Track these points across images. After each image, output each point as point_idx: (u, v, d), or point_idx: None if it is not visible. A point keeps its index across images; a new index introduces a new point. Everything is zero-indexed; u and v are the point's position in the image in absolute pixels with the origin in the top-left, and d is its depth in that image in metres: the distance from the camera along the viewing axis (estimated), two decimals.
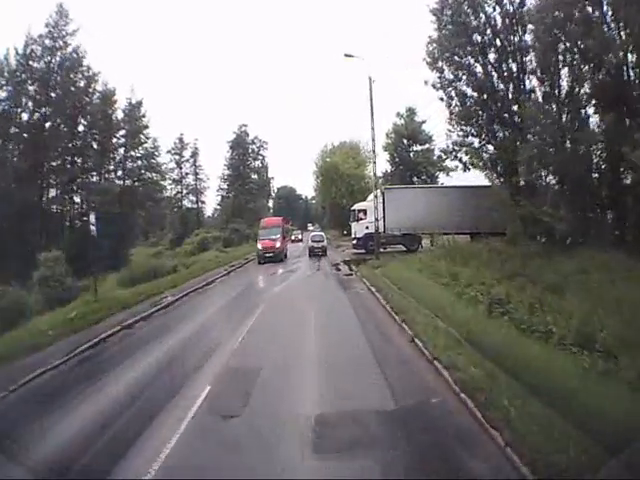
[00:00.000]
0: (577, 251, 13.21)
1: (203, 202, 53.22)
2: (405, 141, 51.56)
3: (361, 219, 25.64)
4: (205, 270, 19.59)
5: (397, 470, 3.83)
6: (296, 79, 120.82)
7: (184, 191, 52.73)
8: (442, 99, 21.27)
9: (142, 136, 37.28)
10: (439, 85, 20.97)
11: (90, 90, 35.47)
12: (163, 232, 51.45)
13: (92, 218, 13.51)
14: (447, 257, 14.83)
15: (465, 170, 20.98)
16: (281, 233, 25.58)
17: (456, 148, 20.89)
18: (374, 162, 19.73)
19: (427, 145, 53.49)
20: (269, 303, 11.78)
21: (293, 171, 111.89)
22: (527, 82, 19.49)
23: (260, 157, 51.08)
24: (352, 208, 27.81)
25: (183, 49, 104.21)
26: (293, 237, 45.77)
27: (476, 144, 20.26)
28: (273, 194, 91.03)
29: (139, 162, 37.10)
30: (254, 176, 50.69)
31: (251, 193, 48.74)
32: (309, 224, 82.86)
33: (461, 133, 21.07)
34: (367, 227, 25.07)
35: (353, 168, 44.56)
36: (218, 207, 53.32)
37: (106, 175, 33.98)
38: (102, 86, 35.73)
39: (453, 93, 20.86)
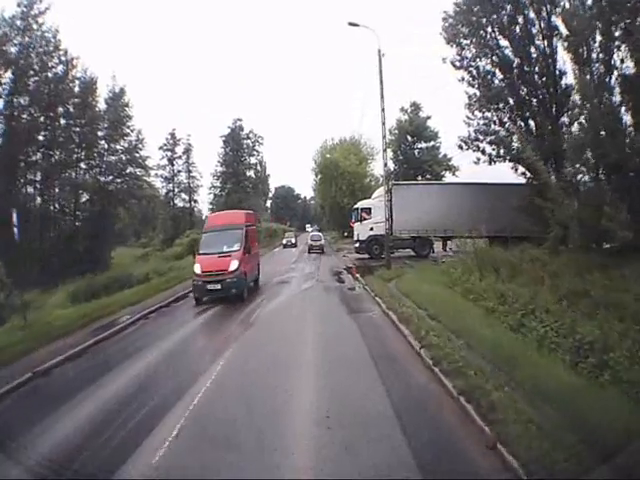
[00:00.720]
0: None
1: (196, 201, 50.44)
2: (409, 138, 48.76)
3: (365, 219, 22.91)
4: (180, 280, 16.46)
5: None
6: (294, 76, 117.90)
7: (176, 189, 50.06)
8: (462, 79, 18.35)
9: (125, 128, 34.15)
10: (459, 63, 18.00)
11: (69, 77, 32.40)
12: (155, 232, 48.83)
13: (14, 218, 10.37)
14: (479, 267, 11.76)
15: (490, 163, 17.93)
16: (242, 242, 12.69)
17: (479, 137, 17.85)
18: (385, 149, 16.63)
19: (433, 142, 50.96)
20: (248, 334, 8.72)
21: (292, 171, 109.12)
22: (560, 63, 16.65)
23: (255, 153, 48.05)
24: (354, 207, 24.90)
25: (174, 40, 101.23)
26: (285, 241, 39.99)
27: (503, 133, 17.32)
28: (270, 193, 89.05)
29: (121, 156, 34.03)
30: (249, 173, 47.63)
31: (245, 191, 45.62)
32: (307, 225, 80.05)
33: (484, 120, 18.24)
34: (372, 228, 22.52)
35: (355, 165, 41.50)
36: (210, 206, 50.23)
37: (82, 170, 30.66)
38: (82, 72, 32.70)
39: (475, 72, 17.92)
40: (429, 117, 50.02)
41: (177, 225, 46.40)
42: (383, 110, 15.50)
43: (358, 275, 15.23)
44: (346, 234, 38.91)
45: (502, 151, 17.67)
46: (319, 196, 55.75)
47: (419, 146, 50.12)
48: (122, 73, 75.96)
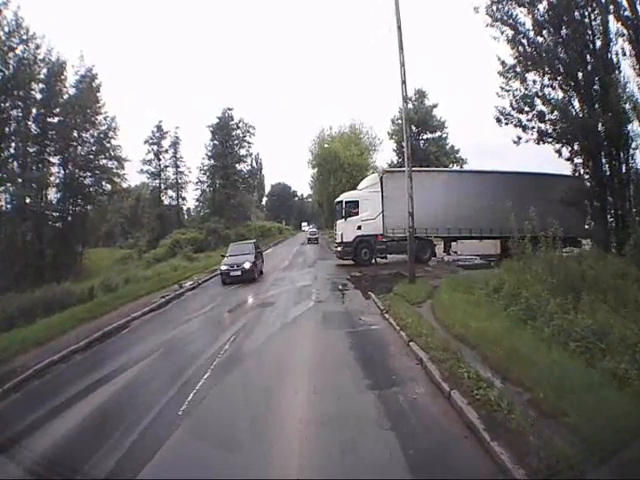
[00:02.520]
0: None
1: (184, 198, 46.42)
2: (414, 128, 44.92)
3: (351, 215, 18.54)
4: (132, 297, 12.31)
5: None
6: (290, 70, 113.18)
7: (162, 186, 46.02)
8: (495, 38, 14.27)
9: (95, 115, 29.88)
10: (498, 14, 13.87)
11: (30, 57, 28.06)
12: (141, 232, 45.12)
13: None
14: (557, 288, 7.72)
15: (539, 142, 13.79)
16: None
17: (523, 107, 13.68)
18: (405, 119, 12.60)
19: (439, 133, 47.20)
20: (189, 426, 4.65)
21: (288, 168, 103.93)
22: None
23: (246, 144, 43.66)
24: (337, 200, 20.37)
25: (161, 27, 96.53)
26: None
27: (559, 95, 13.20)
28: (266, 191, 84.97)
29: (92, 147, 29.76)
30: (240, 167, 43.35)
31: (235, 186, 41.34)
32: (304, 223, 76.18)
33: (524, 89, 14.18)
34: (359, 227, 18.43)
35: (356, 156, 37.43)
36: (197, 203, 46.16)
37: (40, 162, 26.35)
38: (47, 53, 28.39)
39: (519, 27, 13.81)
40: (435, 105, 46.49)
41: (164, 224, 42.72)
42: (403, 65, 11.38)
43: (372, 294, 11.04)
44: None
45: (551, 126, 13.59)
46: (316, 192, 51.81)
47: (425, 137, 46.63)
48: (105, 61, 71.48)
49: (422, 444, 4.02)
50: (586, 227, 21.60)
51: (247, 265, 15.43)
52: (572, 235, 19.22)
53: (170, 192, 45.90)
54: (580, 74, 13.24)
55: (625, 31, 12.11)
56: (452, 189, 18.21)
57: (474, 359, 5.70)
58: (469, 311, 7.85)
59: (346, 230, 18.58)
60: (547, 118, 13.56)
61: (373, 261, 18.70)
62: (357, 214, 18.50)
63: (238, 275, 15.23)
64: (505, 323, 6.88)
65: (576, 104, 13.22)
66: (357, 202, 18.70)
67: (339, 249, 19.26)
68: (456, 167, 43.02)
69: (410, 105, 45.99)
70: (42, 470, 4.04)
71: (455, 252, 19.57)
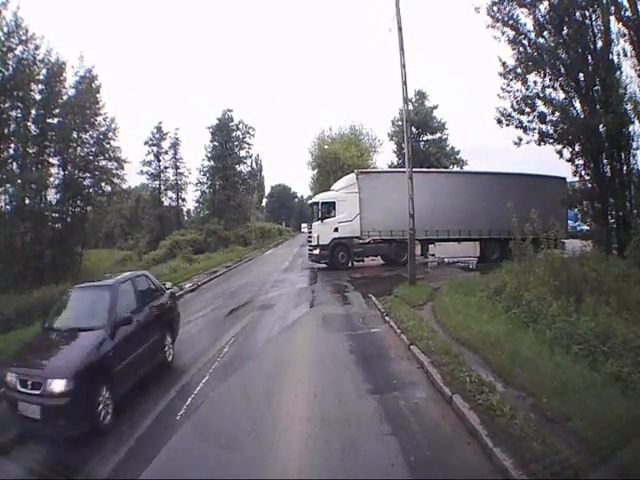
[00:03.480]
0: None
1: (184, 199, 46.44)
2: (414, 129, 44.92)
3: (327, 217, 17.86)
4: None
5: None
6: (290, 72, 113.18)
7: (162, 187, 46.07)
8: (496, 38, 14.23)
9: (95, 116, 29.81)
10: (499, 15, 13.82)
11: (29, 58, 28.01)
12: (141, 233, 45.24)
13: None
14: (559, 290, 7.64)
15: (540, 143, 13.74)
16: None
17: (524, 108, 13.63)
18: (406, 121, 12.52)
19: (439, 134, 47.22)
20: None
21: (288, 170, 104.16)
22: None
23: (246, 145, 43.60)
24: (312, 201, 19.54)
25: (161, 30, 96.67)
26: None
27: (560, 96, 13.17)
28: (266, 192, 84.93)
29: (92, 148, 29.67)
30: (240, 168, 43.28)
31: (235, 187, 41.27)
32: (303, 225, 76.10)
33: (524, 90, 14.14)
34: (336, 229, 17.68)
35: (356, 157, 37.37)
36: (197, 204, 46.15)
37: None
38: (46, 54, 28.31)
39: (520, 27, 13.77)
40: (435, 107, 46.63)
41: (164, 225, 42.74)
42: (403, 66, 11.32)
43: (372, 296, 10.98)
44: None
45: (552, 127, 13.54)
46: (316, 193, 51.76)
47: (425, 138, 46.69)
48: (105, 61, 71.62)
49: (424, 450, 3.96)
50: (569, 229, 21.56)
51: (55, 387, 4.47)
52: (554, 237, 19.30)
53: (170, 193, 45.97)
54: (581, 75, 13.18)
55: (626, 32, 12.05)
56: (429, 190, 17.35)
57: (476, 363, 5.64)
58: (470, 314, 7.78)
59: (322, 232, 17.78)
60: (548, 119, 13.48)
61: (350, 265, 18.09)
62: (334, 215, 17.85)
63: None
64: (507, 326, 6.82)
65: (577, 105, 13.15)
66: (334, 203, 18.01)
67: (315, 252, 18.18)
68: (456, 168, 43.02)
69: (410, 106, 45.91)
70: (42, 470, 4.04)
71: (433, 255, 19.04)
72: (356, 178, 18.09)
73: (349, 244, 17.75)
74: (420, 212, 16.91)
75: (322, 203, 18.19)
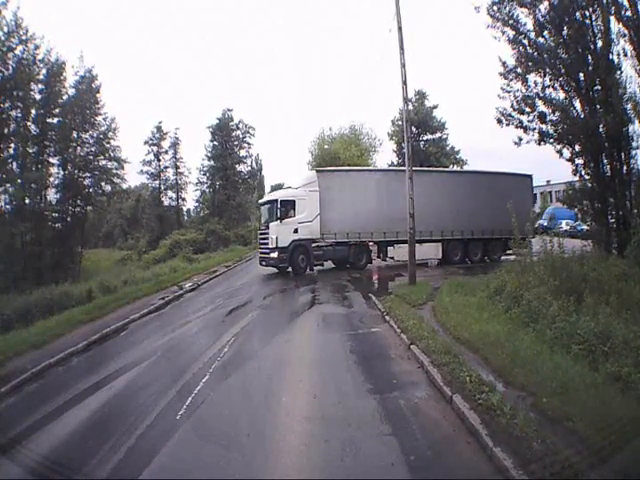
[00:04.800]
0: None
1: (184, 199, 46.55)
2: (414, 129, 44.93)
3: (287, 217, 16.21)
4: (131, 299, 12.20)
5: None
6: (290, 70, 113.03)
7: (162, 187, 46.12)
8: (496, 38, 14.23)
9: (95, 116, 29.81)
10: (494, 13, 13.80)
11: (29, 57, 27.98)
12: (141, 233, 45.31)
13: None
14: (558, 290, 7.64)
15: (540, 143, 13.73)
16: None
17: (524, 108, 13.62)
18: (406, 120, 12.51)
19: (439, 134, 47.25)
20: None
21: (288, 169, 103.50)
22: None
23: (246, 145, 43.64)
24: (270, 198, 17.70)
25: (161, 29, 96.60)
26: None
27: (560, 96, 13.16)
28: (266, 191, 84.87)
29: (92, 148, 29.69)
30: (239, 167, 43.33)
31: (235, 187, 41.29)
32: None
33: (525, 90, 14.14)
34: (296, 230, 16.19)
35: (356, 157, 37.36)
36: (197, 204, 46.20)
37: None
38: (46, 54, 28.31)
39: (520, 27, 13.76)
40: (435, 106, 46.72)
41: (163, 225, 42.79)
42: (403, 66, 11.32)
43: (372, 296, 10.96)
44: None
45: (552, 127, 13.55)
46: None
47: (425, 138, 46.75)
48: (105, 62, 71.58)
49: (424, 449, 3.95)
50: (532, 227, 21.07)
51: None
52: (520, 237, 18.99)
53: (170, 193, 46.14)
54: (581, 75, 13.17)
55: (626, 32, 12.04)
56: (388, 189, 16.65)
57: (476, 362, 5.64)
58: (470, 313, 7.79)
59: (282, 233, 16.02)
60: (548, 119, 13.46)
61: (309, 270, 16.67)
62: (293, 215, 16.31)
63: None
64: (507, 326, 6.82)
65: (577, 105, 13.13)
66: (293, 202, 16.40)
67: (273, 255, 16.13)
68: (456, 168, 43.01)
69: (410, 106, 45.94)
70: (42, 470, 4.03)
71: (392, 258, 17.58)
72: (316, 176, 17.09)
73: (309, 246, 16.42)
74: (377, 213, 16.60)
75: (281, 201, 16.39)
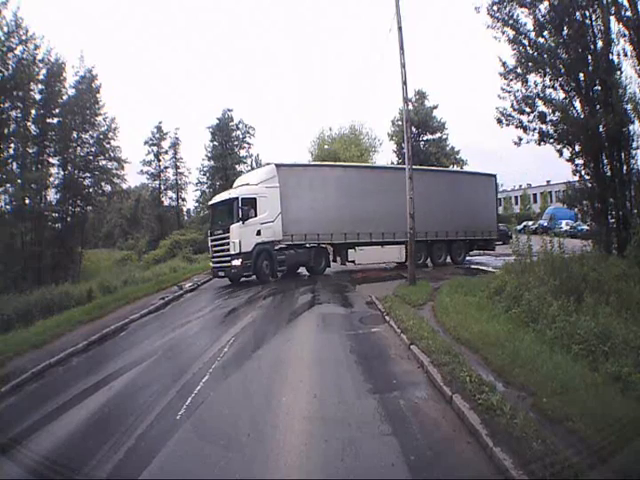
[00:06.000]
0: None
1: (184, 199, 46.70)
2: (414, 129, 44.98)
3: (249, 217, 14.39)
4: (131, 299, 12.21)
5: None
6: (289, 68, 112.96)
7: (162, 187, 46.21)
8: (496, 38, 14.25)
9: (95, 116, 29.80)
10: (494, 13, 13.81)
11: (29, 58, 27.98)
12: (141, 233, 45.46)
13: None
14: (559, 290, 7.64)
15: (540, 143, 13.75)
16: None
17: (524, 108, 13.63)
18: (407, 120, 12.51)
19: (439, 134, 47.31)
20: None
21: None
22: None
23: (246, 145, 43.68)
24: (229, 196, 15.25)
25: (159, 30, 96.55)
26: None
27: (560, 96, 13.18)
28: None
29: (92, 148, 29.69)
30: (239, 167, 43.37)
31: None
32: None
33: (525, 90, 14.16)
34: (259, 232, 14.58)
35: (356, 157, 37.39)
36: (197, 204, 46.27)
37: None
38: (46, 54, 28.32)
39: (520, 27, 13.77)
40: (435, 107, 46.84)
41: (163, 225, 42.86)
42: (403, 66, 11.34)
43: (372, 296, 10.95)
44: None
45: (552, 127, 13.56)
46: None
47: (425, 138, 46.85)
48: (105, 61, 71.59)
49: (424, 449, 3.95)
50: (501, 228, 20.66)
51: None
52: (485, 237, 18.81)
53: (170, 193, 46.28)
54: (581, 75, 13.19)
55: (626, 32, 12.05)
56: (348, 188, 15.83)
57: (476, 362, 5.64)
58: (471, 313, 7.80)
59: (245, 236, 14.21)
60: (548, 119, 13.47)
61: (272, 278, 15.22)
62: (255, 215, 14.52)
63: None
64: (507, 326, 6.83)
65: (577, 105, 13.15)
66: (254, 200, 14.59)
67: (235, 263, 14.19)
68: (456, 167, 43.03)
69: (410, 106, 45.91)
70: (42, 470, 4.02)
71: (352, 262, 16.49)
72: (276, 171, 15.41)
73: (272, 250, 14.87)
74: (337, 213, 15.56)
75: (243, 200, 14.36)
